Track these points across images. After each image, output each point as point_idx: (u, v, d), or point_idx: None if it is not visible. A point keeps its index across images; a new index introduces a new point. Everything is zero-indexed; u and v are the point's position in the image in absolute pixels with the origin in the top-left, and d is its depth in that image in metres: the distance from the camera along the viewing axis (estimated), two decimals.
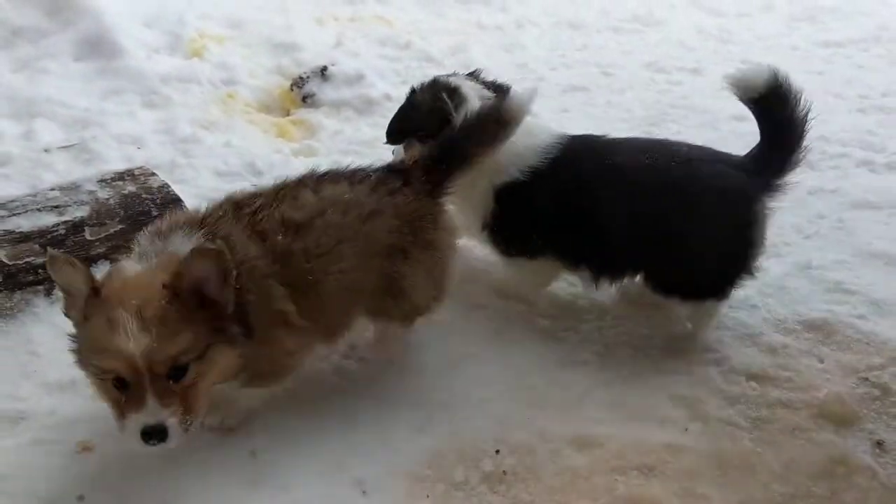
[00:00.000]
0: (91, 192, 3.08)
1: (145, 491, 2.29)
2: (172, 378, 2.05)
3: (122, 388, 2.04)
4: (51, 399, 2.54)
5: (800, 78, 5.32)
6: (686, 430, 2.56)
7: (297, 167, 3.86)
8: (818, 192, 3.90)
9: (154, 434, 2.02)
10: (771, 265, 3.32)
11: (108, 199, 3.07)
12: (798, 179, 3.95)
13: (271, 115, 4.58)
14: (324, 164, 3.85)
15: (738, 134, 4.49)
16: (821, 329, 3.00)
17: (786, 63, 5.54)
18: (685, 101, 4.87)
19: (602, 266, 2.89)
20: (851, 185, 3.99)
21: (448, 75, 3.04)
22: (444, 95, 2.86)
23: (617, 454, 2.46)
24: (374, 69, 4.90)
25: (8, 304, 2.78)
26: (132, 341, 1.97)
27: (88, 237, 2.96)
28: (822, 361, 2.86)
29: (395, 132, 2.97)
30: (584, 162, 2.85)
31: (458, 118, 2.75)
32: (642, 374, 2.79)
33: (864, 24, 6.54)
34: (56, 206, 2.99)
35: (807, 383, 2.75)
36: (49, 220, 2.94)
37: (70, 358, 2.57)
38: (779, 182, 2.79)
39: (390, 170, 2.64)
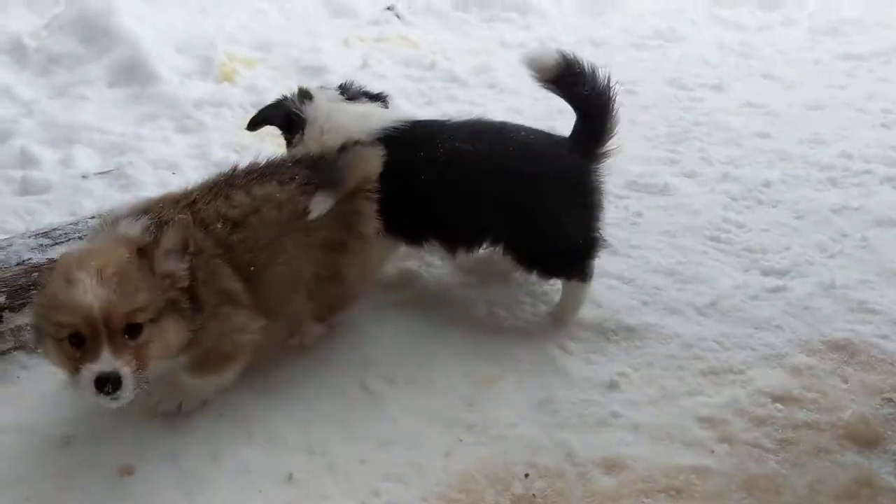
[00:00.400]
0: None
1: None
2: (127, 334, 2.18)
3: (79, 346, 2.17)
4: (94, 423, 2.62)
5: (822, 93, 5.39)
6: (713, 452, 2.61)
7: None
8: (841, 210, 3.94)
9: (108, 381, 2.12)
10: (795, 285, 3.37)
11: None
12: (820, 197, 4.05)
13: None
14: None
15: (762, 151, 4.56)
16: (845, 349, 3.04)
17: (808, 77, 5.64)
18: (708, 119, 4.91)
19: (453, 240, 3.12)
20: (875, 202, 4.02)
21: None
22: (293, 95, 3.24)
23: (645, 476, 2.52)
24: (400, 90, 4.99)
25: None
26: (90, 295, 2.11)
27: None
28: (846, 382, 2.89)
29: (252, 122, 3.33)
30: (422, 145, 3.06)
31: (304, 114, 3.16)
32: (668, 396, 2.84)
33: (886, 36, 6.56)
34: None
35: (831, 404, 2.79)
36: None
37: None
38: (601, 151, 3.03)
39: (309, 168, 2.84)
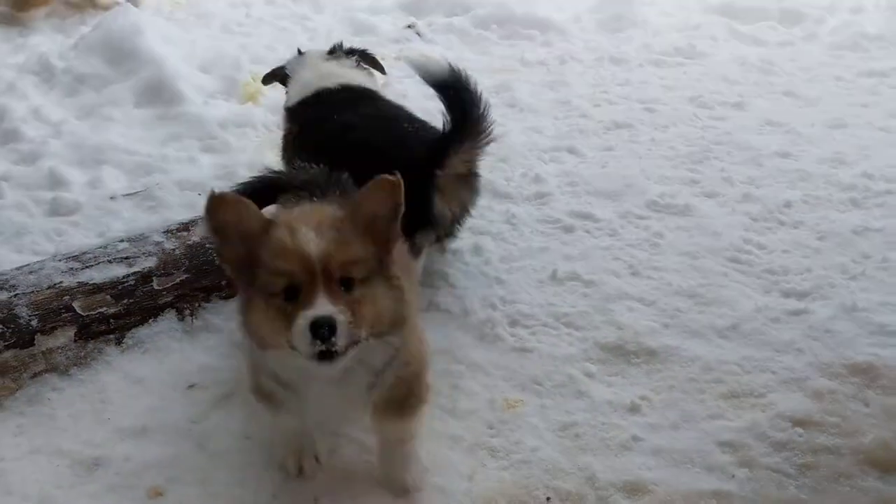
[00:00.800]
0: (158, 244, 3.25)
1: None
2: (342, 285, 2.12)
3: (293, 299, 2.11)
4: (124, 445, 2.69)
5: (844, 111, 5.38)
6: (733, 476, 2.62)
7: None
8: (863, 232, 3.93)
9: (324, 325, 2.04)
10: (816, 307, 3.37)
11: (174, 250, 3.23)
12: (842, 218, 4.05)
13: None
14: None
15: (783, 171, 4.56)
16: (866, 373, 3.04)
17: (829, 94, 5.62)
18: (728, 138, 4.92)
19: None
20: None
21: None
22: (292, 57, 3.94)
23: (666, 501, 2.53)
24: (421, 110, 5.01)
25: (82, 354, 2.94)
26: (310, 244, 2.09)
27: (156, 287, 3.11)
28: (867, 406, 2.89)
29: (264, 78, 4.07)
30: (331, 109, 3.53)
31: (290, 71, 3.86)
32: (690, 419, 2.86)
33: None
34: (126, 258, 3.16)
35: (853, 429, 2.79)
36: (119, 271, 3.10)
37: (140, 405, 2.77)
38: (464, 146, 3.24)
39: None
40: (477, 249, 3.76)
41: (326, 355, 2.08)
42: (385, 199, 2.19)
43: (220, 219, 2.17)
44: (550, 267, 3.62)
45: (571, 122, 5.12)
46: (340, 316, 2.06)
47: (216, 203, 2.15)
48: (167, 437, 2.72)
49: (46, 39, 5.89)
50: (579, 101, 5.38)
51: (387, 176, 2.19)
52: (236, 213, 2.17)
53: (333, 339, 2.04)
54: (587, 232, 3.97)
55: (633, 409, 2.89)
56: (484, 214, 4.03)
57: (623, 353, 3.16)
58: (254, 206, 2.20)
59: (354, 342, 2.11)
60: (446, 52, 6.04)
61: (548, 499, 2.53)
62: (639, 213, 4.10)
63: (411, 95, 5.20)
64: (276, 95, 5.13)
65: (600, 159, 4.68)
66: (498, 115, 5.04)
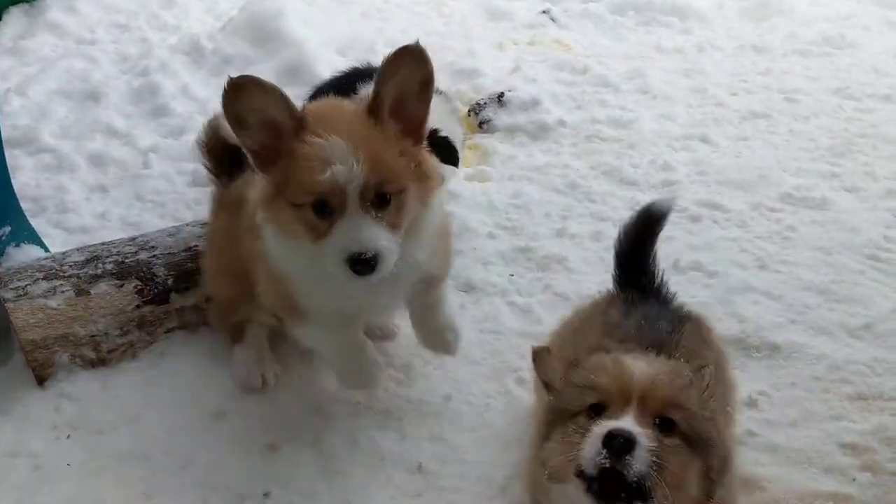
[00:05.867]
0: None
1: (325, 492, 2.52)
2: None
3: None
4: (246, 401, 2.83)
5: None
6: (854, 479, 2.51)
7: (470, 191, 4.05)
8: None
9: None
10: None
11: None
12: None
13: None
14: (495, 189, 4.06)
15: None
16: None
17: None
18: (874, 131, 4.64)
19: None
20: None
21: None
22: None
23: (779, 499, 2.46)
24: (550, 95, 4.99)
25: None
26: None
27: None
28: None
29: None
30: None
31: None
32: (810, 418, 2.75)
33: None
34: None
35: None
36: None
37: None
38: None
39: None
40: (597, 235, 3.72)
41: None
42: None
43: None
44: (673, 256, 3.52)
45: (706, 111, 4.96)
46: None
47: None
48: (285, 397, 2.85)
49: (198, 22, 6.20)
50: (716, 90, 5.20)
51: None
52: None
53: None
54: (715, 222, 3.86)
55: (751, 404, 2.81)
56: (607, 201, 3.99)
57: (744, 347, 3.06)
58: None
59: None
60: (579, 38, 5.98)
61: None
62: (771, 206, 3.95)
63: (540, 80, 5.19)
64: None
65: (734, 149, 4.53)
66: (629, 102, 5.01)
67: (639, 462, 1.72)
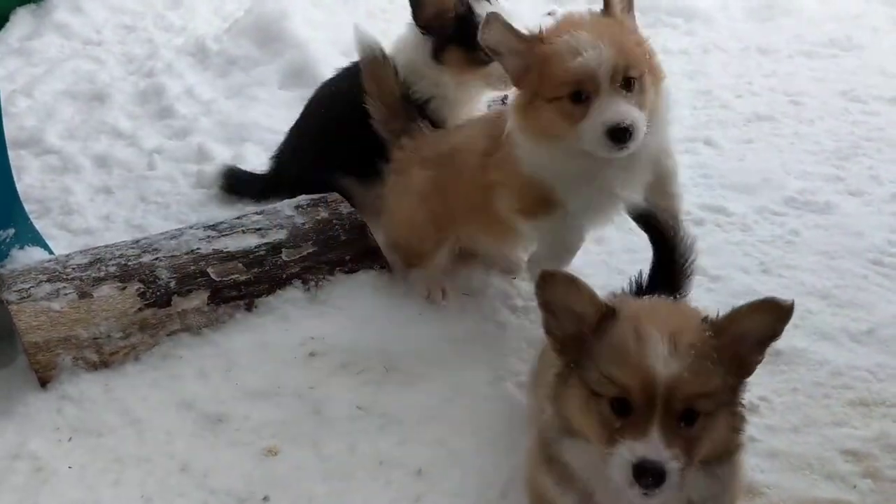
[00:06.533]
0: (289, 217, 3.39)
1: (324, 496, 2.52)
2: (683, 420, 1.85)
3: (620, 413, 1.87)
4: (246, 404, 2.83)
5: None
6: (855, 486, 2.50)
7: None
8: None
9: (651, 472, 1.78)
10: None
11: (303, 224, 3.36)
12: None
13: None
14: None
15: None
16: None
17: None
18: (881, 134, 4.62)
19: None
20: None
21: None
22: None
23: None
24: None
25: (213, 317, 3.10)
26: (661, 361, 1.82)
27: (284, 258, 3.26)
28: None
29: None
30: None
31: None
32: (812, 424, 2.74)
33: None
34: (258, 229, 3.31)
35: None
36: (252, 241, 3.26)
37: (263, 369, 2.90)
38: None
39: None
40: (600, 240, 3.70)
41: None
42: (766, 324, 1.93)
43: (549, 296, 2.03)
44: None
45: (710, 113, 4.94)
46: (673, 463, 1.79)
47: (545, 280, 2.02)
48: (286, 401, 2.84)
49: (205, 23, 6.21)
50: (720, 92, 5.19)
51: (777, 299, 1.91)
52: (565, 294, 2.00)
53: (658, 490, 1.79)
54: (718, 226, 3.85)
55: (752, 409, 2.77)
56: None
57: None
58: (588, 288, 1.99)
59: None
60: None
61: None
62: (775, 209, 3.94)
63: None
64: None
65: (738, 152, 4.51)
66: None
67: (670, 487, 1.81)
